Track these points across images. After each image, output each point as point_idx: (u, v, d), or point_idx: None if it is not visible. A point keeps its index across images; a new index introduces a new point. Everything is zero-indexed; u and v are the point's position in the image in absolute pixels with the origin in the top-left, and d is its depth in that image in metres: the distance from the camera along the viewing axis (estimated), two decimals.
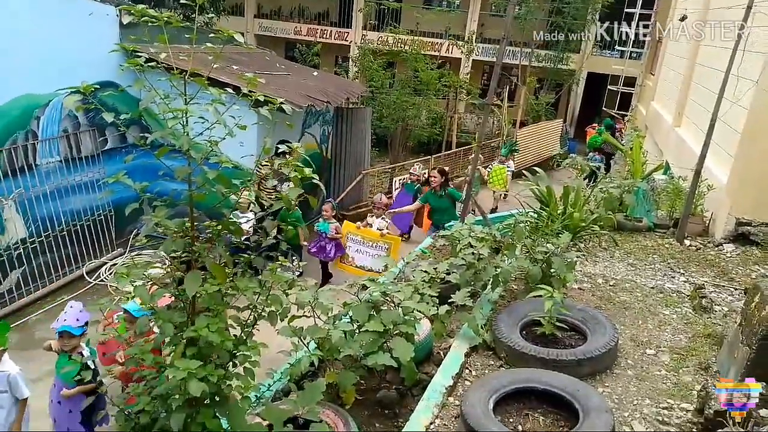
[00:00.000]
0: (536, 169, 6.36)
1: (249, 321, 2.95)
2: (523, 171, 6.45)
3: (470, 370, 3.73)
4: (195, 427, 2.58)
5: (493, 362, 3.83)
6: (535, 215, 5.61)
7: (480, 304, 4.26)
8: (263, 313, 2.99)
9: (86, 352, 4.33)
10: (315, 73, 12.38)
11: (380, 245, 7.65)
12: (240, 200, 6.69)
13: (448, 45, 19.53)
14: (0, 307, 6.88)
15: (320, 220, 8.09)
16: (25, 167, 7.18)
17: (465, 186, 9.14)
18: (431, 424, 3.15)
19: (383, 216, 8.08)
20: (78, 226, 7.90)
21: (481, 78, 22.33)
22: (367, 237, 7.72)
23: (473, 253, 4.31)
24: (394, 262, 5.67)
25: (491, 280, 4.22)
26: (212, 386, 2.51)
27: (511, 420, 3.20)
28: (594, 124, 16.51)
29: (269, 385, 3.62)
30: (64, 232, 7.69)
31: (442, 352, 4.46)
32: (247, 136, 2.84)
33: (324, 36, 22.02)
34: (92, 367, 4.18)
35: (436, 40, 20.11)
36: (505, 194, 12.67)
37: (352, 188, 11.71)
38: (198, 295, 2.71)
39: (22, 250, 7.14)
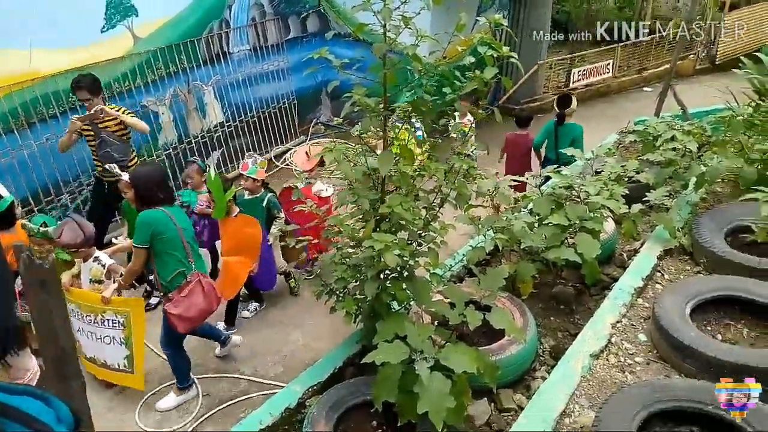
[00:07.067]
0: (758, 54, 5.36)
1: (435, 203, 3.00)
2: (742, 58, 5.47)
3: (662, 274, 3.47)
4: (385, 297, 2.75)
5: (689, 268, 3.52)
6: (752, 110, 4.81)
7: (678, 205, 3.87)
8: (449, 197, 3.01)
9: None
10: None
11: (108, 319, 3.79)
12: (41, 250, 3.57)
13: None
14: None
15: (184, 187, 5.09)
16: (220, 55, 7.78)
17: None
18: (618, 323, 3.02)
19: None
20: (266, 114, 8.52)
21: None
22: (85, 305, 3.81)
23: (674, 149, 3.86)
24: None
25: (695, 179, 3.78)
26: (403, 260, 2.62)
27: (709, 328, 2.96)
28: None
29: (450, 266, 3.71)
30: (255, 118, 8.34)
31: (625, 254, 4.21)
32: (418, 23, 2.71)
33: None
34: None
35: None
36: None
37: (525, 81, 11.04)
38: (390, 174, 2.78)
39: (220, 133, 7.94)
